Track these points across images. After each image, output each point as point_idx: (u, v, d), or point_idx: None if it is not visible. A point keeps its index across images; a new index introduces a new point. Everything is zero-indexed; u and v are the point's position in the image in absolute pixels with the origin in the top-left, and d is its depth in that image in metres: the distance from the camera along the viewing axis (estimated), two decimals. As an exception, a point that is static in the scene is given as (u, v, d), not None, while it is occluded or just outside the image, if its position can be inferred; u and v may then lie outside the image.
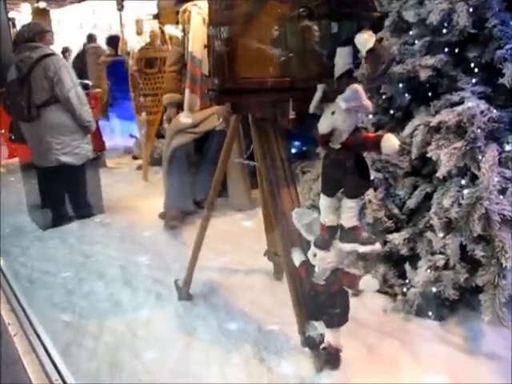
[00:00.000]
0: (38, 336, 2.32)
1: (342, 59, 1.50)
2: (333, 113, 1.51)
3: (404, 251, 2.54)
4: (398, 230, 2.61)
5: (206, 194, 2.44)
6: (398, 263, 2.64)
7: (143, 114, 4.98)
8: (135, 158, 5.89)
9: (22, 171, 4.37)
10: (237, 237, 3.39)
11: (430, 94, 2.61)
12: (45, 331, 2.36)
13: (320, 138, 1.57)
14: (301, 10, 1.62)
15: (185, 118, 2.45)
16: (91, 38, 8.87)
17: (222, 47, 1.61)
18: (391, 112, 2.76)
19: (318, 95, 1.55)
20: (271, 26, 1.66)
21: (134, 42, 6.49)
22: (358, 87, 1.45)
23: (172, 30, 4.88)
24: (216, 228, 3.02)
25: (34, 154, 3.75)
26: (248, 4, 1.72)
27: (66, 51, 8.98)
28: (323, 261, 1.69)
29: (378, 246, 1.61)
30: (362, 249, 1.60)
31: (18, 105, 3.51)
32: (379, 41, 1.45)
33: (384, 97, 2.71)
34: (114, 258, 3.20)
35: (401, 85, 2.65)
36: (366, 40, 1.38)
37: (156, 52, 4.88)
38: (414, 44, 2.59)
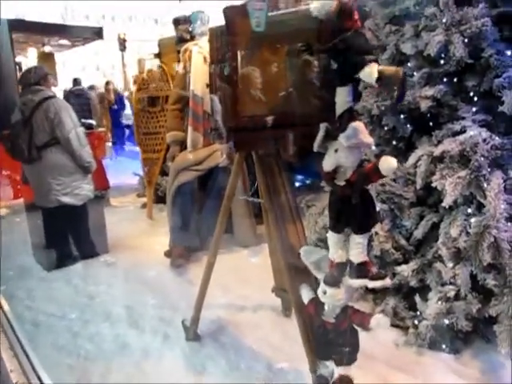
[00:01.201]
0: (42, 383, 2.27)
1: (341, 98, 1.52)
2: (336, 150, 1.53)
3: (413, 283, 2.51)
4: (406, 261, 2.59)
5: (212, 231, 2.43)
6: (408, 295, 2.60)
7: (147, 151, 5.02)
8: (140, 196, 5.90)
9: (27, 212, 4.38)
10: (243, 273, 3.36)
11: (431, 124, 2.63)
12: (49, 377, 2.31)
13: (325, 175, 1.57)
14: (300, 46, 1.65)
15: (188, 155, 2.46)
16: (76, 82, 9.17)
17: (223, 86, 1.63)
18: (394, 143, 2.77)
19: (320, 134, 1.56)
20: (272, 64, 1.69)
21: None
22: (359, 125, 1.46)
23: (174, 69, 4.95)
24: (222, 265, 2.98)
25: (35, 194, 3.78)
26: (249, 42, 1.75)
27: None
28: (333, 298, 1.67)
29: (387, 281, 1.59)
30: (371, 284, 1.58)
31: (19, 146, 3.56)
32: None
33: (386, 128, 2.72)
34: (120, 298, 3.17)
35: (402, 116, 2.67)
36: (370, 73, 1.40)
37: (158, 91, 4.94)
38: (413, 75, 2.62)
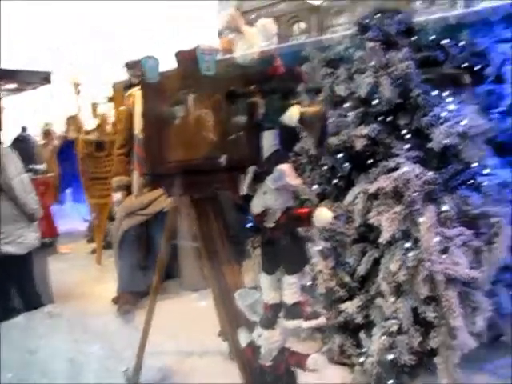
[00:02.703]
0: None
1: (268, 141, 1.57)
2: (264, 193, 1.55)
3: (359, 319, 2.53)
4: (351, 298, 2.61)
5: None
6: (354, 332, 2.61)
7: (95, 197, 4.95)
8: (89, 241, 5.77)
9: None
10: (191, 318, 3.29)
11: (368, 161, 2.72)
12: None
13: (255, 217, 1.59)
14: (227, 91, 1.69)
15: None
16: (23, 129, 9.06)
17: (149, 132, 1.65)
18: (334, 181, 2.84)
19: (249, 177, 1.59)
20: (199, 109, 1.72)
21: (89, 125, 6.54)
22: (285, 167, 1.50)
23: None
24: (169, 310, 2.95)
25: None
26: (176, 89, 1.79)
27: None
28: (269, 340, 1.66)
29: (322, 320, 1.60)
30: (306, 324, 1.59)
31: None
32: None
33: (325, 167, 2.79)
34: (63, 351, 3.03)
35: (340, 155, 2.75)
36: (291, 115, 1.45)
37: (106, 135, 4.92)
38: (347, 116, 2.72)
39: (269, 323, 1.64)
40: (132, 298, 3.58)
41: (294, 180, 1.50)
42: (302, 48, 3.26)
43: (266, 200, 1.54)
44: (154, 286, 2.29)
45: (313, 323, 1.58)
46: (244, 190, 1.60)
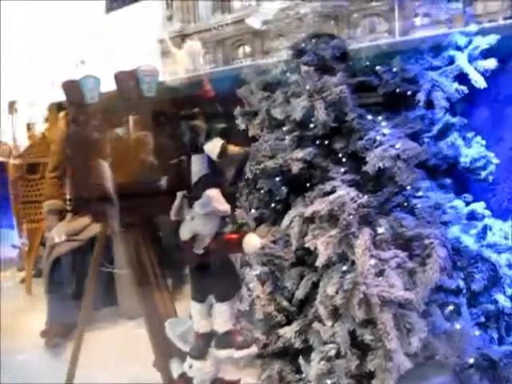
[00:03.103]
0: None
1: (197, 166, 1.52)
2: (192, 218, 1.50)
3: (298, 344, 2.49)
4: (289, 322, 2.57)
5: (94, 304, 2.27)
6: (294, 357, 2.57)
7: (26, 222, 4.70)
8: (20, 270, 5.45)
9: None
10: (127, 347, 3.14)
11: (305, 185, 2.72)
12: None
13: (183, 244, 1.54)
14: (155, 114, 1.64)
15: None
16: None
17: (73, 157, 1.57)
18: (272, 205, 2.82)
19: (177, 202, 1.54)
20: (123, 134, 1.66)
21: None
22: (213, 192, 1.46)
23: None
24: (105, 340, 2.79)
25: None
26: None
27: None
28: (201, 371, 1.60)
29: (253, 349, 1.55)
30: (237, 354, 1.54)
31: None
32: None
33: (262, 191, 2.77)
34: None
35: (277, 178, 2.74)
36: (213, 147, 1.42)
37: (39, 157, 4.72)
38: (284, 139, 2.72)
39: (200, 353, 1.58)
40: (62, 330, 3.38)
41: (221, 205, 1.46)
42: (241, 71, 3.27)
43: (195, 226, 1.49)
44: (80, 316, 2.17)
45: (244, 352, 1.54)
46: (172, 215, 1.54)
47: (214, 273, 1.50)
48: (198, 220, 1.48)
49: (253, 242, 1.44)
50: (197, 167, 1.51)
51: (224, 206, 1.46)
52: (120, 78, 1.82)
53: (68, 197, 3.29)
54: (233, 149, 1.48)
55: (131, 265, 1.83)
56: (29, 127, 6.79)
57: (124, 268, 2.88)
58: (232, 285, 1.56)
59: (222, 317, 1.54)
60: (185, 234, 1.51)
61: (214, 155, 1.42)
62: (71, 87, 4.62)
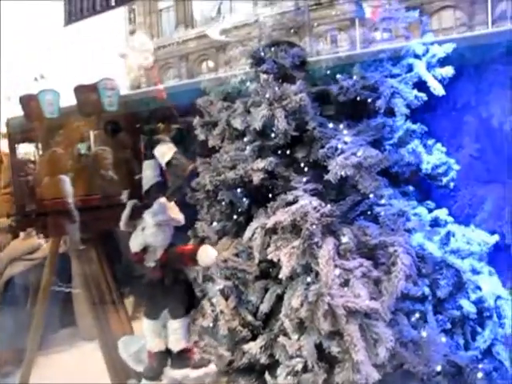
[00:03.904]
0: None
1: (148, 172, 1.44)
2: (143, 229, 1.41)
3: (264, 360, 2.41)
4: (255, 337, 2.49)
5: (52, 327, 2.14)
6: (260, 374, 2.48)
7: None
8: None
9: None
10: (86, 371, 2.99)
11: (269, 195, 2.67)
12: None
13: (133, 256, 1.45)
14: (105, 124, 1.56)
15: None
16: None
17: (20, 171, 1.47)
18: (234, 217, 2.75)
19: (126, 212, 1.46)
20: (72, 145, 1.57)
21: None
22: (165, 200, 1.38)
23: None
24: (62, 364, 2.64)
25: None
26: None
27: None
28: (156, 394, 1.49)
29: (211, 368, 1.47)
30: (194, 373, 1.45)
31: None
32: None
33: (224, 203, 2.70)
34: None
35: (238, 190, 2.67)
36: (163, 153, 1.35)
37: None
38: (244, 149, 2.67)
39: (154, 373, 1.48)
40: (13, 356, 3.18)
41: (175, 214, 1.38)
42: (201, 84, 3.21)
43: (145, 237, 1.40)
44: (29, 339, 2.04)
45: (201, 371, 1.45)
46: (121, 226, 1.45)
47: (168, 287, 1.41)
48: (148, 230, 1.39)
49: (208, 253, 1.36)
50: (148, 174, 1.43)
51: (178, 215, 1.38)
52: (80, 91, 1.74)
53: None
54: (182, 161, 1.41)
55: (85, 283, 1.73)
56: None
57: (80, 287, 2.76)
58: (187, 300, 1.47)
59: (176, 334, 1.45)
60: (135, 245, 1.42)
61: (163, 161, 1.35)
62: (29, 101, 4.51)
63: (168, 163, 1.35)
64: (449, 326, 2.46)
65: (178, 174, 1.36)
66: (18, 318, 3.23)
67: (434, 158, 2.76)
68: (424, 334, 2.34)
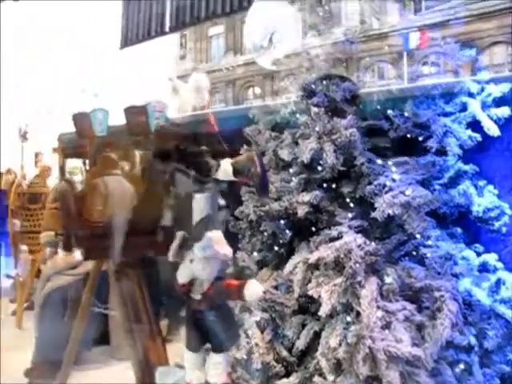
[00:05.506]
0: None
1: (198, 206, 1.44)
2: (191, 261, 1.40)
3: (296, 398, 2.34)
4: (288, 374, 2.43)
5: (86, 343, 2.15)
6: (294, 412, 2.42)
7: (23, 252, 4.60)
8: (13, 301, 5.27)
9: None
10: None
11: (310, 229, 2.62)
12: None
13: (180, 287, 1.44)
14: (152, 153, 1.58)
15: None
16: None
17: (64, 191, 1.50)
18: (275, 248, 2.72)
19: (176, 243, 1.45)
20: (125, 171, 1.59)
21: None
22: (215, 235, 1.37)
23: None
24: (95, 380, 2.64)
25: None
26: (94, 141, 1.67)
27: None
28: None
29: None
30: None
31: None
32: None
33: (266, 234, 2.67)
34: None
35: (282, 221, 2.65)
36: (225, 169, 1.35)
37: (42, 187, 4.66)
38: (290, 181, 2.65)
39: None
40: (49, 370, 3.19)
41: (223, 249, 1.36)
42: (249, 111, 3.22)
43: (193, 269, 1.39)
44: (66, 354, 2.04)
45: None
46: (170, 256, 1.45)
47: (211, 321, 1.39)
48: (197, 263, 1.38)
49: (255, 289, 1.34)
50: (198, 207, 1.43)
51: (226, 250, 1.37)
52: (130, 111, 1.77)
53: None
54: (240, 158, 1.41)
55: (123, 306, 1.72)
56: (37, 156, 6.79)
57: (117, 307, 2.77)
58: (230, 335, 1.45)
59: (216, 369, 1.42)
60: (182, 277, 1.41)
61: (229, 175, 1.36)
62: (81, 119, 4.64)
63: (235, 172, 1.36)
64: (497, 381, 2.32)
65: (248, 170, 1.36)
66: (55, 331, 3.26)
67: (485, 200, 2.66)
68: (469, 387, 2.22)
